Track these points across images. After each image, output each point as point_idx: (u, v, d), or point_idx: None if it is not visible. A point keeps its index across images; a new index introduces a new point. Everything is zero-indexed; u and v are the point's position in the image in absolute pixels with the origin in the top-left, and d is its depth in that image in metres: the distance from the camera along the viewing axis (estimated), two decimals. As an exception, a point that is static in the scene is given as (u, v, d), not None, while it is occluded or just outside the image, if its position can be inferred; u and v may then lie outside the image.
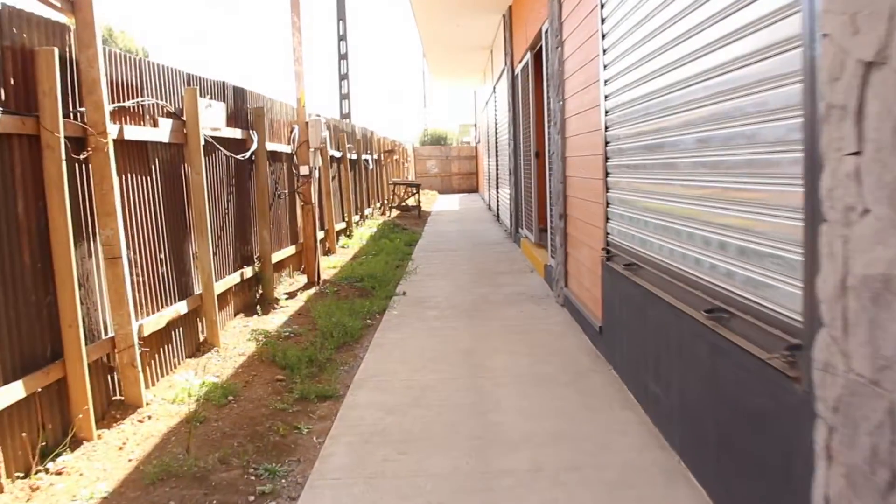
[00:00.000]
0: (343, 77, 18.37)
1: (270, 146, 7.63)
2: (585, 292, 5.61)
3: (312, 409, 4.25)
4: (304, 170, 7.82)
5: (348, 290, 7.79)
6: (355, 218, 13.57)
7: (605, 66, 4.59)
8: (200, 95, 5.78)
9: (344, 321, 5.97)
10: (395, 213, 18.28)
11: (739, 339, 2.53)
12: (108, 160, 3.93)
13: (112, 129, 4.11)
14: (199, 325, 5.48)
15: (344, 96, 18.71)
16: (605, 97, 4.60)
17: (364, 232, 12.89)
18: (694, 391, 3.04)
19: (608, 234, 4.68)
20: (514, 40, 11.17)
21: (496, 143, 15.53)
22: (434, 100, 62.03)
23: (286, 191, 8.08)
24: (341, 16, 17.62)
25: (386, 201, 18.58)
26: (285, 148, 8.16)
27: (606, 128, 4.61)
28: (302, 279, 8.32)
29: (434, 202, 24.38)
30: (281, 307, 6.94)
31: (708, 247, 2.83)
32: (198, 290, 5.45)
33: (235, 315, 6.50)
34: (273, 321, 6.40)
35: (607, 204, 4.67)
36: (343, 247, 11.47)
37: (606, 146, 4.62)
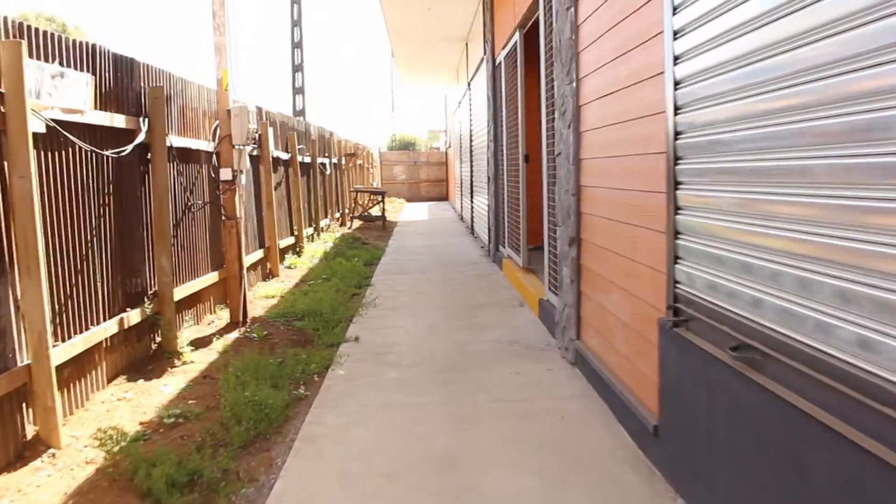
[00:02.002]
0: (297, 68, 16.27)
1: (180, 142, 5.70)
2: (620, 360, 3.79)
3: None
4: (225, 174, 5.89)
5: (283, 333, 5.86)
6: (308, 231, 11.63)
7: (675, 9, 2.79)
8: (44, 58, 3.85)
9: (262, 395, 4.05)
10: (357, 223, 16.35)
11: None
12: None
13: None
14: (26, 414, 3.52)
15: (298, 90, 16.61)
16: (677, 59, 2.79)
17: (317, 248, 10.95)
18: None
19: (677, 282, 2.87)
20: (496, 23, 9.38)
21: (471, 146, 13.74)
22: (403, 105, 60.31)
23: (202, 201, 6.13)
24: (295, -2, 15.62)
25: (347, 211, 16.63)
26: (205, 145, 6.23)
27: (678, 109, 2.80)
28: (226, 315, 6.37)
29: (401, 211, 22.50)
30: (183, 364, 4.99)
31: None
32: (22, 359, 3.50)
33: (112, 380, 4.55)
34: (164, 390, 4.45)
35: (676, 233, 2.86)
36: (290, 267, 9.52)
37: (677, 139, 2.82)
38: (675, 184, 2.85)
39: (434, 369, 4.80)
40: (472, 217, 14.11)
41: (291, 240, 10.23)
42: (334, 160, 15.24)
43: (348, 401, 4.22)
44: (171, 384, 4.55)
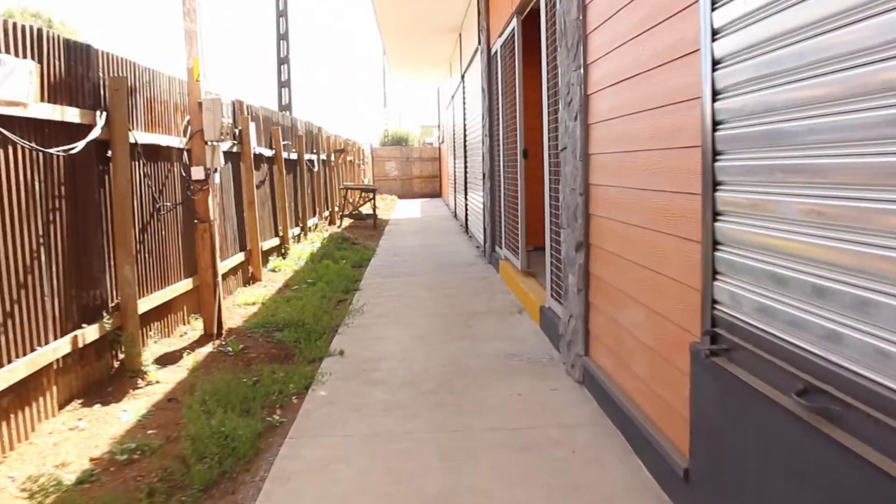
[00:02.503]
0: (282, 61, 15.61)
1: (148, 138, 5.20)
2: (638, 385, 3.32)
3: None
4: (196, 172, 5.38)
5: (261, 346, 5.37)
6: (294, 231, 11.12)
7: (714, -28, 2.31)
8: (-26, 43, 3.34)
9: (231, 424, 3.56)
10: (347, 222, 15.85)
11: None
12: None
13: None
14: (-51, 454, 3.03)
15: (284, 84, 15.97)
16: (716, 34, 2.31)
17: (304, 249, 10.45)
18: None
19: (716, 303, 2.39)
20: (491, 10, 8.89)
21: (465, 141, 13.25)
22: (395, 101, 59.79)
23: (172, 202, 5.61)
24: (280, -13, 14.97)
25: (336, 209, 16.11)
26: (177, 142, 5.72)
27: (717, 94, 2.32)
28: (201, 326, 5.86)
29: (393, 208, 22.00)
30: (147, 385, 4.49)
31: None
32: (-56, 392, 3.01)
33: (65, 405, 4.05)
34: (122, 417, 3.96)
35: (714, 244, 2.39)
36: (274, 270, 9.01)
37: (716, 130, 2.34)
38: (713, 184, 2.37)
39: (426, 389, 4.32)
40: (467, 215, 13.63)
41: (276, 241, 9.73)
42: (323, 157, 14.72)
43: (329, 429, 3.74)
44: (130, 409, 4.06)
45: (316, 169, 13.55)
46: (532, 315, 6.13)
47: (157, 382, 4.53)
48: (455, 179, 16.57)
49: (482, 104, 9.68)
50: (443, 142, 23.68)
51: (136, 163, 5.00)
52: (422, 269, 9.20)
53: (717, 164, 2.34)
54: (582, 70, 4.09)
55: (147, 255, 5.24)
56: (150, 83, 5.41)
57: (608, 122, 3.69)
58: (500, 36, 8.08)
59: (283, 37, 15.26)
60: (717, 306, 2.38)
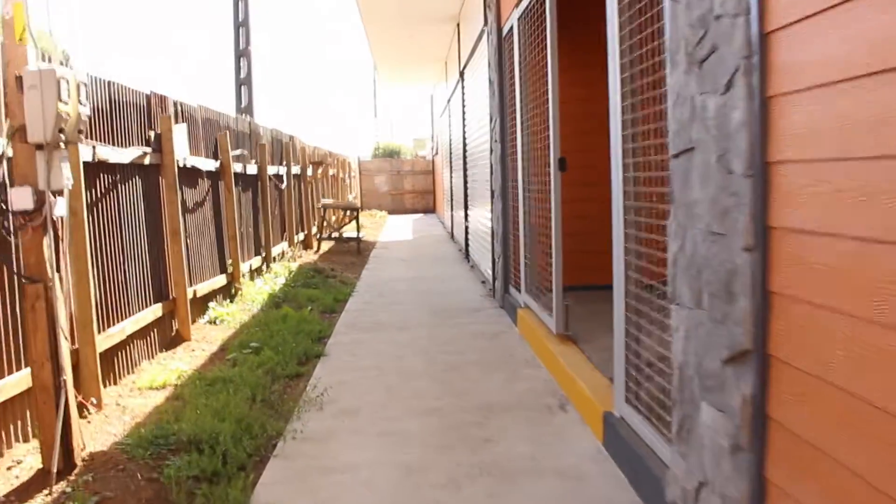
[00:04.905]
0: (241, 54, 13.17)
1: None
2: None
3: None
4: (20, 197, 3.11)
5: (132, 495, 3.09)
6: (254, 262, 8.84)
7: None
8: None
9: None
10: (327, 245, 13.55)
11: None
12: None
13: None
14: None
15: (243, 81, 13.50)
16: None
17: (262, 288, 8.14)
18: None
19: None
20: (503, -26, 6.70)
21: (464, 151, 11.04)
22: (386, 113, 57.78)
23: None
24: (240, -31, 12.61)
25: (313, 231, 13.81)
26: None
27: None
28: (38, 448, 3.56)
29: (382, 227, 19.72)
30: None
31: None
32: None
33: None
34: None
35: None
36: (214, 321, 6.72)
37: None
38: None
39: None
40: (467, 238, 11.39)
41: (222, 280, 7.43)
42: (297, 170, 12.46)
43: None
44: None
45: (285, 185, 11.28)
46: (586, 418, 3.88)
47: None
48: (452, 195, 14.34)
49: (490, 102, 7.48)
50: (437, 153, 21.50)
51: None
52: (412, 318, 6.93)
53: None
54: (753, -22, 1.87)
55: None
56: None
57: (878, 78, 1.46)
58: (517, 5, 5.88)
59: (241, 24, 12.80)
60: None
